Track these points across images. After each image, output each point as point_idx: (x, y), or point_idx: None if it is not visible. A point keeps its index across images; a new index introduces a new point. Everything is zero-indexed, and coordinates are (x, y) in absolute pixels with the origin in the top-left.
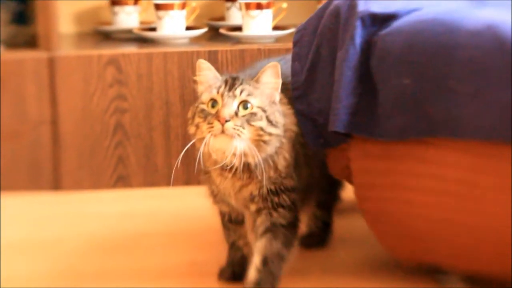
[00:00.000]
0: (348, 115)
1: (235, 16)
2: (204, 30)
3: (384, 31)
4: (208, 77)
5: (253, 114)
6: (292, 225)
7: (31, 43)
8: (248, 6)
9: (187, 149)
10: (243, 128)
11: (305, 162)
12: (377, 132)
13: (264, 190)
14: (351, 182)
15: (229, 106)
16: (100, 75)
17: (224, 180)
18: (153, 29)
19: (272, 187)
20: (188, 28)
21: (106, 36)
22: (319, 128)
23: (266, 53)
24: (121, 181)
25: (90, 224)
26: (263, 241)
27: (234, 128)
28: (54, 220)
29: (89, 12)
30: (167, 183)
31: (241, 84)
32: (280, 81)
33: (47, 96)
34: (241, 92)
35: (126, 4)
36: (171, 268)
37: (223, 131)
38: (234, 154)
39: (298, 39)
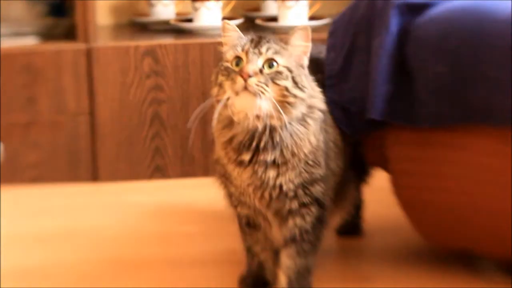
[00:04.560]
0: (384, 103)
1: (271, 6)
2: (240, 20)
3: (419, 20)
4: (233, 37)
5: (278, 73)
6: (320, 221)
7: (69, 34)
8: None
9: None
10: (267, 86)
11: (338, 153)
12: (413, 119)
13: (304, 174)
14: (387, 169)
15: (254, 63)
16: (137, 66)
17: (243, 171)
18: (190, 20)
19: (307, 175)
20: (224, 19)
21: (143, 28)
22: (350, 117)
23: None
24: (158, 171)
25: (128, 214)
26: (287, 260)
27: (258, 85)
28: (92, 210)
29: (126, 4)
30: (204, 174)
31: (267, 42)
32: (309, 45)
33: (85, 87)
34: (267, 50)
35: None
36: (209, 257)
37: (246, 88)
38: (257, 117)
39: (334, 30)
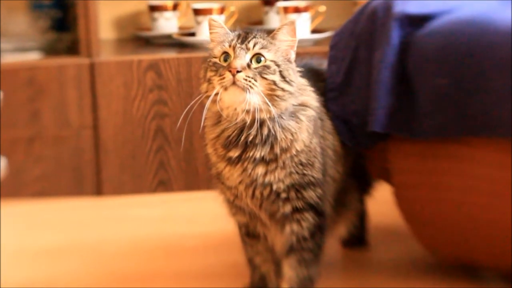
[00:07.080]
0: (386, 115)
1: (273, 20)
2: None
3: (420, 32)
4: (220, 33)
5: (266, 67)
6: (319, 229)
7: (72, 49)
8: (286, 9)
9: None
10: (255, 80)
11: (336, 161)
12: (415, 131)
13: (295, 176)
14: (390, 182)
15: (241, 58)
16: (140, 80)
17: (233, 169)
18: (192, 34)
19: (297, 177)
20: None
21: (146, 42)
22: (352, 129)
23: (305, 57)
24: (162, 185)
25: (132, 227)
26: (289, 270)
27: (246, 79)
28: (96, 224)
29: (129, 18)
30: (208, 187)
31: (254, 37)
32: (296, 40)
33: (88, 102)
34: (254, 45)
35: (165, 9)
36: (212, 270)
37: (234, 82)
38: (247, 112)
39: (335, 43)
